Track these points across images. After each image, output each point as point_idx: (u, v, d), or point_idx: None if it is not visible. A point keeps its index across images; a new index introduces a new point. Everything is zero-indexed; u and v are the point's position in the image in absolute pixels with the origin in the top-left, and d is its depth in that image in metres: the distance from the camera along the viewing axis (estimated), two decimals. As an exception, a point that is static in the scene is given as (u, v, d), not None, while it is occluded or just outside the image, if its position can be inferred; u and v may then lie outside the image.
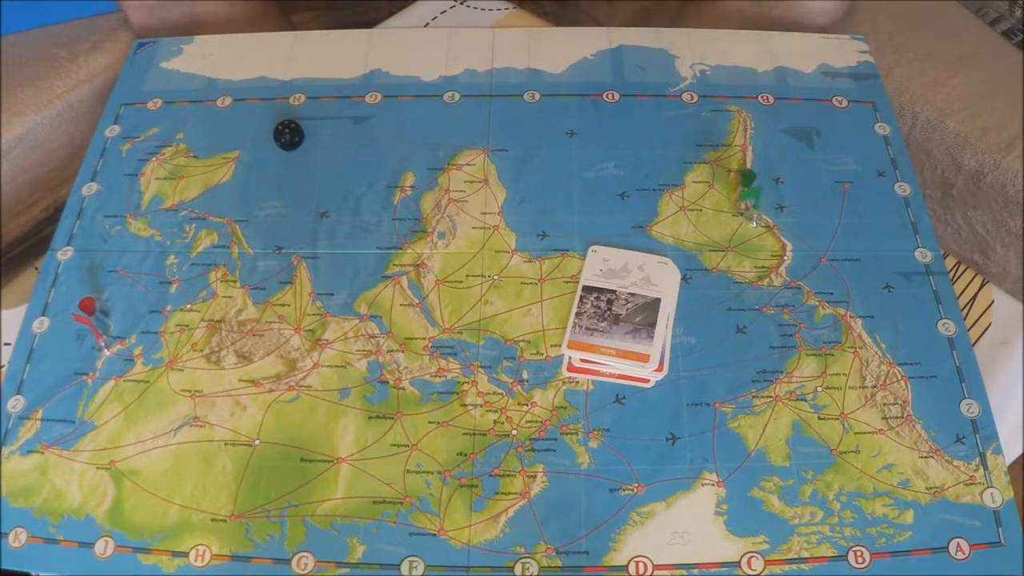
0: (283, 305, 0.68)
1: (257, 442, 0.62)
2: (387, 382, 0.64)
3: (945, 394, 0.63)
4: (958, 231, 0.99)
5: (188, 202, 0.74)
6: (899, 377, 0.64)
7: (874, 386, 0.63)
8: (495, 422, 0.62)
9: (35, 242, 0.90)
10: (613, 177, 0.74)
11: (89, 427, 0.62)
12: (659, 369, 0.64)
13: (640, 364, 0.64)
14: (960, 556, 0.57)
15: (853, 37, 0.86)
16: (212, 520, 0.59)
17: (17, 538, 0.58)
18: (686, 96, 0.80)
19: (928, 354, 0.65)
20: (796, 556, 0.57)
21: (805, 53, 0.84)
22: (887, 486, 0.60)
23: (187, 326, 0.67)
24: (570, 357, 0.65)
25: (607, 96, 0.80)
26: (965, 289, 0.73)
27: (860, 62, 0.83)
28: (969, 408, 0.63)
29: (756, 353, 0.65)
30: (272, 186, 0.74)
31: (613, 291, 0.67)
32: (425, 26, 0.91)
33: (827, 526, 0.58)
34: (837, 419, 0.62)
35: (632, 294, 0.67)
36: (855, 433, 0.61)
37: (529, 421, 0.62)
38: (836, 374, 0.64)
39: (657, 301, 0.67)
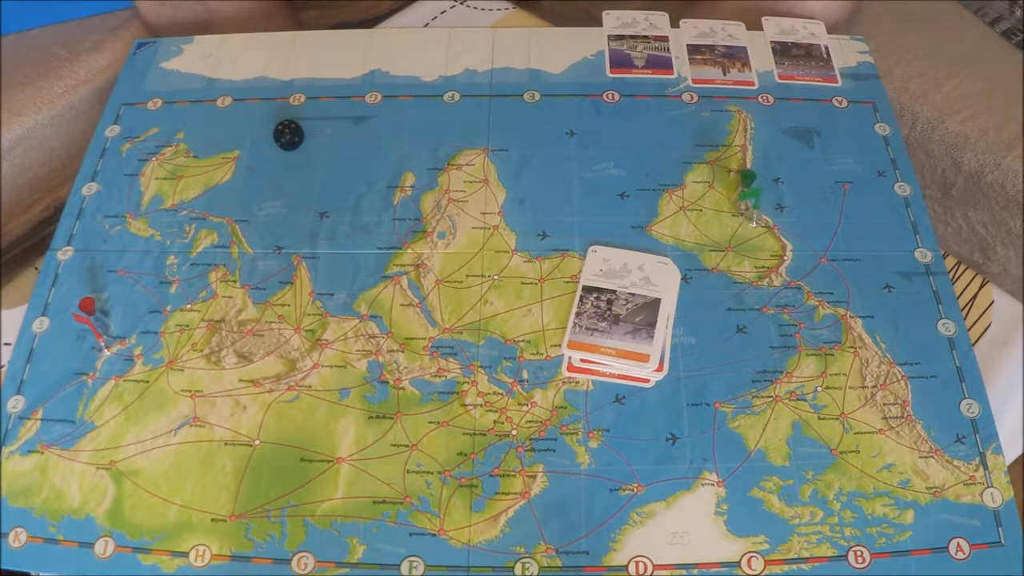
0: (283, 305, 0.68)
1: (257, 442, 0.62)
2: (387, 382, 0.64)
3: (945, 394, 0.63)
4: (958, 231, 1.00)
5: (188, 202, 0.74)
6: (899, 377, 0.64)
7: (874, 386, 0.63)
8: (495, 422, 0.62)
9: (35, 242, 0.90)
10: (613, 177, 0.74)
11: (89, 427, 0.62)
12: (659, 369, 0.64)
13: (640, 364, 0.64)
14: (960, 556, 0.57)
15: (853, 37, 0.86)
16: (212, 520, 0.59)
17: (17, 538, 0.58)
18: (686, 96, 0.80)
19: (928, 354, 0.65)
20: (796, 556, 0.57)
21: (805, 53, 0.84)
22: (887, 486, 0.60)
23: (187, 326, 0.67)
24: (570, 357, 0.65)
25: (607, 96, 0.80)
26: (965, 289, 0.73)
27: (860, 62, 0.83)
28: (969, 408, 0.63)
29: (756, 353, 0.65)
30: (272, 186, 0.74)
31: (613, 291, 0.67)
32: (425, 26, 0.91)
33: (827, 526, 0.58)
34: (837, 419, 0.62)
35: (632, 294, 0.67)
36: (855, 433, 0.62)
37: (529, 421, 0.62)
38: (836, 374, 0.64)
39: (657, 301, 0.67)
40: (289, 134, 0.76)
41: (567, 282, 0.68)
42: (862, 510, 0.59)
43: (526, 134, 0.77)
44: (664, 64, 0.82)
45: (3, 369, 0.66)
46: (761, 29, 0.86)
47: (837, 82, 0.81)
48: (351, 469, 0.60)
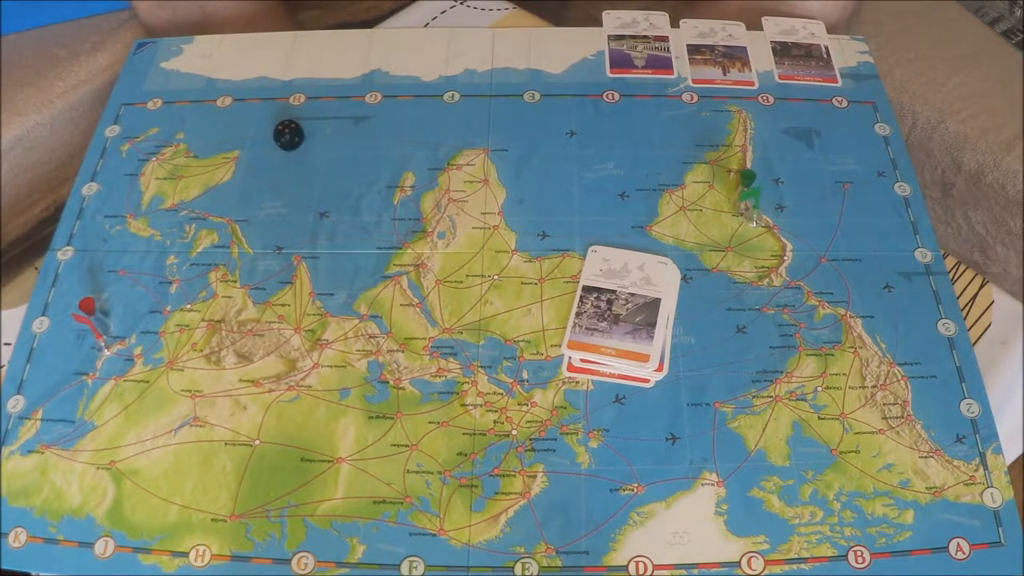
0: (283, 305, 0.68)
1: (257, 442, 0.62)
2: (387, 382, 0.64)
3: (945, 394, 0.63)
4: (958, 231, 1.00)
5: (188, 202, 0.74)
6: (899, 377, 0.64)
7: (874, 386, 0.63)
8: (495, 422, 0.62)
9: (35, 242, 0.90)
10: (613, 177, 0.74)
11: (89, 427, 0.62)
12: (659, 369, 0.64)
13: (640, 364, 0.64)
14: (960, 556, 0.57)
15: (853, 37, 0.86)
16: (212, 520, 0.59)
17: (17, 538, 0.58)
18: (686, 96, 0.80)
19: (928, 354, 0.65)
20: (796, 556, 0.57)
21: (805, 53, 0.84)
22: (887, 486, 0.60)
23: (187, 326, 0.67)
24: (570, 357, 0.65)
25: (607, 96, 0.80)
26: (965, 289, 0.73)
27: (860, 62, 0.83)
28: (969, 408, 0.63)
29: (756, 353, 0.65)
30: (272, 186, 0.74)
31: (613, 291, 0.67)
32: (425, 26, 0.91)
33: (827, 526, 0.58)
34: (837, 419, 0.62)
35: (632, 294, 0.67)
36: (855, 433, 0.62)
37: (529, 421, 0.62)
38: (836, 374, 0.64)
39: (657, 301, 0.67)
40: (289, 134, 0.76)
41: (567, 282, 0.68)
42: (862, 510, 0.59)
43: (526, 134, 0.77)
44: (664, 64, 0.82)
45: (3, 369, 0.66)
46: (761, 29, 0.86)
47: (837, 82, 0.81)
48: (351, 469, 0.60)
